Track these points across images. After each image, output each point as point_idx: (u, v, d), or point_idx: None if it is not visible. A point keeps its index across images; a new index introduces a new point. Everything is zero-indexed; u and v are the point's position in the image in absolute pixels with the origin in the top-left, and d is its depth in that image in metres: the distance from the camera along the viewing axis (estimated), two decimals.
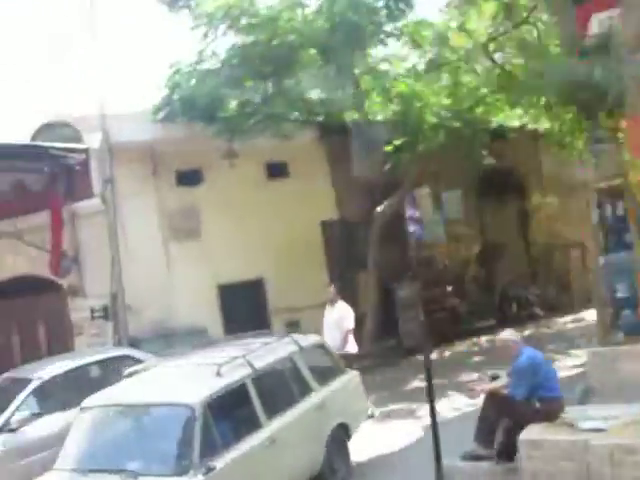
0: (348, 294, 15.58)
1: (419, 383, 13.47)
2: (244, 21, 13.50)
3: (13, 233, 13.16)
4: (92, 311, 13.21)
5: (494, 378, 8.92)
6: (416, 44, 13.54)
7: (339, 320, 11.59)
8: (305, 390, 8.35)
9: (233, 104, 13.61)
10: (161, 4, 13.57)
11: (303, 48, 13.85)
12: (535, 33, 15.41)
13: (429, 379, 7.87)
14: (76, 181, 13.49)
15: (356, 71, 13.91)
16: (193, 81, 13.59)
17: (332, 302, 11.83)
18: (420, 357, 15.30)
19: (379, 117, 14.47)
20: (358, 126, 14.73)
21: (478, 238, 16.94)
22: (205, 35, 13.54)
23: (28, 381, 10.06)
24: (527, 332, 15.96)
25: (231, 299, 14.43)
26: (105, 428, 7.34)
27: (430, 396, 7.89)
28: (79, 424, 7.40)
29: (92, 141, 13.43)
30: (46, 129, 13.65)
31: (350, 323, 11.70)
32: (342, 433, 8.78)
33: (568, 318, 16.52)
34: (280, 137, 13.62)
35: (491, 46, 15.46)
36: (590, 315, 16.63)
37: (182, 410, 6.86)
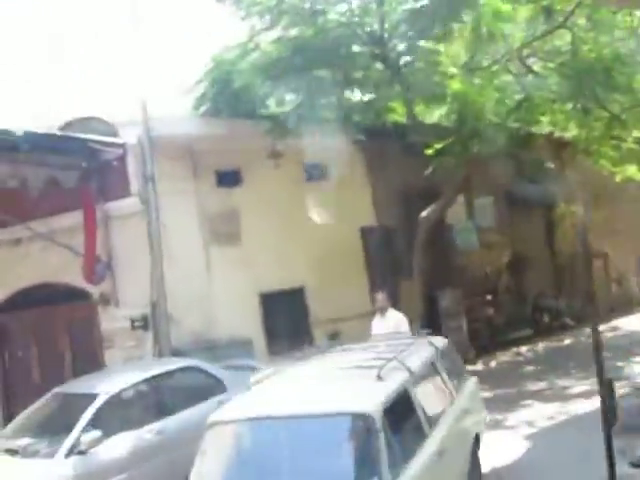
0: (390, 303, 14.40)
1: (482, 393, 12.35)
2: (293, 14, 12.28)
3: (45, 234, 11.45)
4: (132, 321, 11.56)
5: None
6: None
7: (395, 329, 10.01)
8: (449, 397, 7.11)
9: (282, 101, 12.36)
10: None
11: (352, 43, 12.73)
12: (569, 38, 14.65)
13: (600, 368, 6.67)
14: (112, 178, 11.89)
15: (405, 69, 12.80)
16: (237, 75, 12.24)
17: (382, 311, 10.34)
18: (468, 367, 14.31)
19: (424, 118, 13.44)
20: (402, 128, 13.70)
21: (508, 247, 15.98)
22: (252, 27, 12.26)
23: (93, 396, 8.49)
24: (566, 342, 15.10)
25: (272, 309, 13.01)
26: (251, 446, 5.89)
27: (603, 395, 6.75)
28: (212, 442, 5.93)
29: (128, 137, 11.87)
30: (76, 124, 12.01)
31: (407, 331, 10.18)
32: (476, 444, 7.56)
33: (602, 327, 15.60)
34: (330, 137, 12.41)
35: (525, 51, 14.66)
36: (623, 324, 15.98)
37: (359, 420, 5.54)
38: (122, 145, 11.75)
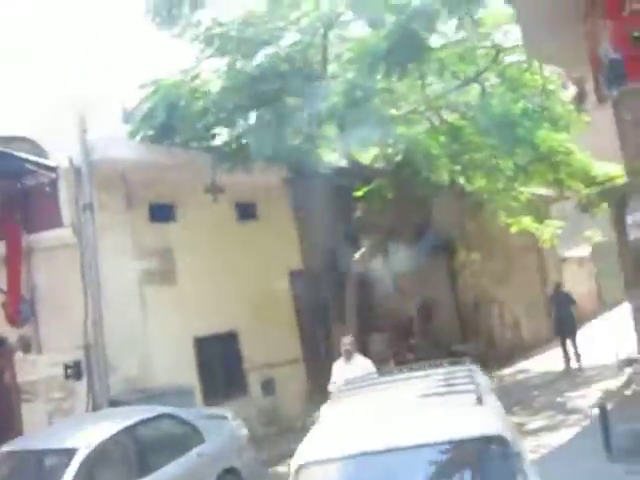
0: (321, 349, 13.78)
1: None
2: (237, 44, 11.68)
3: None
4: (67, 367, 9.94)
5: None
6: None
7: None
8: None
9: (225, 132, 11.66)
10: (152, 18, 11.25)
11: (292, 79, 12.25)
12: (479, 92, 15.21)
13: None
14: (39, 206, 10.35)
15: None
16: (177, 101, 11.34)
17: (348, 356, 9.27)
18: None
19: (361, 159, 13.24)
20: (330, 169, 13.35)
21: (419, 293, 15.95)
22: (198, 55, 11.51)
23: (69, 452, 7.04)
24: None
25: (207, 354, 11.88)
26: None
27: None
28: None
29: (57, 161, 10.49)
30: None
31: None
32: None
33: (508, 370, 15.97)
34: (260, 176, 11.91)
35: (440, 102, 15.00)
36: (529, 366, 16.40)
37: (494, 444, 4.91)
38: (54, 169, 10.32)
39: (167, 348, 11.14)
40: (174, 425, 8.39)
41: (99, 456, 7.16)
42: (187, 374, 11.39)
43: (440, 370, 7.12)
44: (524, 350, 17.48)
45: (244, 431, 9.25)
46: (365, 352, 14.03)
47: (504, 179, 15.84)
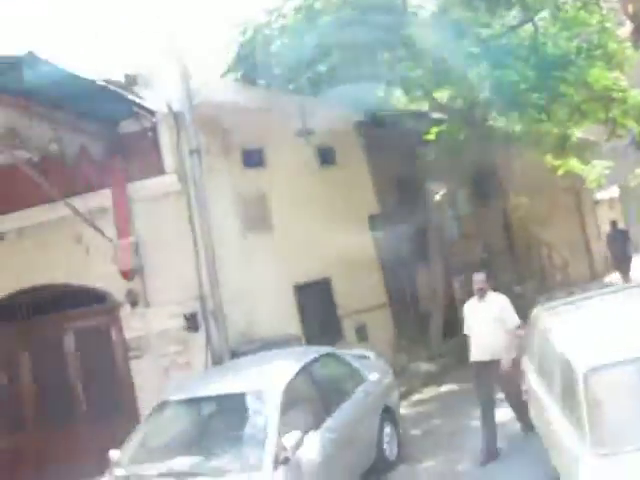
0: (406, 292, 13.26)
1: None
2: None
3: (85, 216, 8.75)
4: (187, 319, 9.17)
5: None
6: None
7: (500, 314, 7.93)
8: None
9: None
10: None
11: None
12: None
13: None
14: (142, 152, 9.47)
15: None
16: (268, 42, 10.55)
17: (481, 294, 8.16)
18: None
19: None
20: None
21: (479, 235, 15.45)
22: None
23: (261, 393, 6.44)
24: None
25: (306, 301, 11.21)
26: None
27: None
28: (606, 389, 4.69)
29: (156, 105, 9.60)
30: None
31: (516, 317, 8.02)
32: None
33: None
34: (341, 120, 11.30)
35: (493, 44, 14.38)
36: None
37: None
38: (154, 113, 9.44)
39: (271, 296, 10.45)
40: (338, 365, 7.83)
41: (290, 396, 6.55)
42: (290, 322, 10.75)
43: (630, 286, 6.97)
44: (573, 293, 17.18)
45: (390, 370, 8.72)
46: (453, 294, 13.75)
47: (556, 120, 15.40)
